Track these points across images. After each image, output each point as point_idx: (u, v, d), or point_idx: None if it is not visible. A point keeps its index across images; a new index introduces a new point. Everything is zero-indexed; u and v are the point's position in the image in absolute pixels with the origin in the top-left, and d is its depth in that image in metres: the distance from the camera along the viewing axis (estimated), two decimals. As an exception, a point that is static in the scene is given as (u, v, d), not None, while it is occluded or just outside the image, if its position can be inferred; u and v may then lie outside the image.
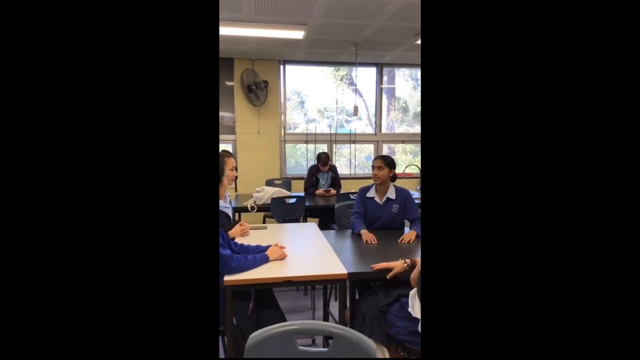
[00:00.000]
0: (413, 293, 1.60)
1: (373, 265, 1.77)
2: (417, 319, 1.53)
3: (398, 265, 1.74)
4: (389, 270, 1.74)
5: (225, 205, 2.48)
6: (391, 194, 2.54)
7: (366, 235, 2.30)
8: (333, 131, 5.50)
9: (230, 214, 2.52)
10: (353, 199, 2.64)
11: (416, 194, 4.21)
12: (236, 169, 2.55)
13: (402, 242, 2.25)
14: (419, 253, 2.01)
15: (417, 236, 2.32)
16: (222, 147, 4.80)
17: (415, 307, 1.56)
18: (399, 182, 2.83)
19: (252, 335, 1.00)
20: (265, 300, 1.96)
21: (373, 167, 2.52)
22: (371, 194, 2.56)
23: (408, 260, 1.76)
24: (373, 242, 2.24)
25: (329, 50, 4.56)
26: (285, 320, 1.57)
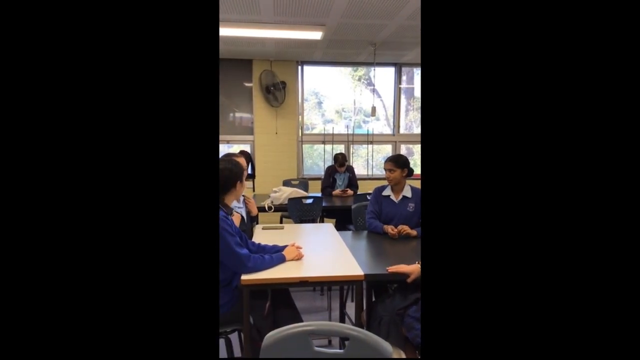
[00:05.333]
0: None
1: (389, 268, 1.74)
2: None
3: (415, 269, 1.71)
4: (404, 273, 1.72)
5: (238, 205, 2.49)
6: (407, 192, 2.54)
7: (389, 229, 2.36)
8: (350, 132, 5.48)
9: (244, 215, 2.53)
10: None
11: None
12: (253, 168, 2.57)
13: (401, 231, 2.34)
14: None
15: (415, 236, 2.37)
16: (241, 147, 4.85)
17: None
18: (417, 183, 2.79)
19: (268, 335, 1.00)
20: (282, 300, 1.97)
21: (385, 169, 2.55)
22: (387, 192, 2.58)
23: None
24: (394, 232, 2.33)
25: (347, 50, 4.55)
26: (301, 321, 1.57)
